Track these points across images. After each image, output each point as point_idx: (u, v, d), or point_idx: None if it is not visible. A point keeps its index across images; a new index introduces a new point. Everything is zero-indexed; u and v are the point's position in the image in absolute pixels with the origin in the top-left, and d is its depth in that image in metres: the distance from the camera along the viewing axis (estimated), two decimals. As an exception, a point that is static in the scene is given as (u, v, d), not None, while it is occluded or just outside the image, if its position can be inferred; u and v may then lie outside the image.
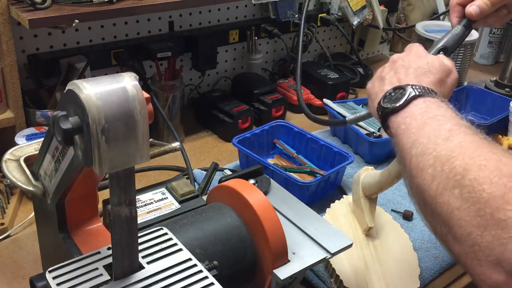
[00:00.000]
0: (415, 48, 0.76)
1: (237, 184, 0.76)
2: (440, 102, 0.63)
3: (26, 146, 0.79)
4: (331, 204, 1.03)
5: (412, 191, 0.59)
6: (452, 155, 0.53)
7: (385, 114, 0.66)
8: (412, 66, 0.70)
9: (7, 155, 0.77)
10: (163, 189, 0.87)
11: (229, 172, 1.10)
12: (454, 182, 0.51)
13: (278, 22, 1.53)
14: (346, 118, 0.85)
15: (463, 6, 0.82)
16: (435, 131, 0.57)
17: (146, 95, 0.52)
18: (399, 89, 0.66)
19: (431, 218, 0.55)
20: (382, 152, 1.26)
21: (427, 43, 1.66)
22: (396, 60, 0.74)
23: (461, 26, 0.80)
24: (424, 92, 0.64)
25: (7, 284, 0.87)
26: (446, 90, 0.70)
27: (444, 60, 0.73)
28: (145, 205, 0.83)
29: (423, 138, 0.58)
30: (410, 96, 0.64)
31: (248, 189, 0.74)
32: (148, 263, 0.62)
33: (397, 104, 0.64)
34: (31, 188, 0.72)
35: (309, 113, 0.98)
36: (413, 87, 0.65)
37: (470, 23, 0.80)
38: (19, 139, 1.05)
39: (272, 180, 0.91)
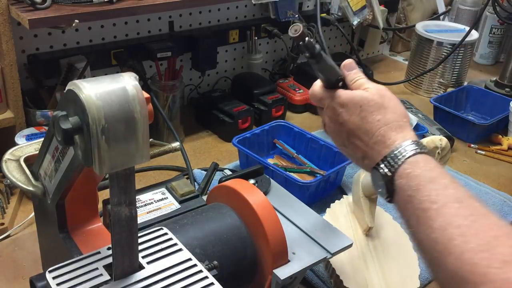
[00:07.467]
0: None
1: (237, 184, 0.76)
2: (410, 168, 0.59)
3: (26, 146, 0.79)
4: (331, 204, 1.03)
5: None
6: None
7: (388, 200, 0.63)
8: (361, 127, 0.64)
9: (7, 155, 0.77)
10: (163, 189, 0.87)
11: (229, 172, 1.10)
12: None
13: (278, 22, 1.53)
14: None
15: None
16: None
17: (146, 95, 0.52)
18: (375, 171, 0.62)
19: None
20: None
21: (427, 43, 1.67)
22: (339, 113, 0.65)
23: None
24: (391, 167, 0.60)
25: (7, 284, 0.87)
26: (398, 112, 0.64)
27: (365, 95, 0.64)
28: (145, 205, 0.83)
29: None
30: (387, 181, 0.60)
31: (248, 189, 0.74)
32: (148, 263, 0.61)
33: (385, 192, 0.61)
34: (31, 188, 0.72)
35: None
36: (383, 164, 0.61)
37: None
38: (19, 139, 1.05)
39: (272, 180, 0.91)
